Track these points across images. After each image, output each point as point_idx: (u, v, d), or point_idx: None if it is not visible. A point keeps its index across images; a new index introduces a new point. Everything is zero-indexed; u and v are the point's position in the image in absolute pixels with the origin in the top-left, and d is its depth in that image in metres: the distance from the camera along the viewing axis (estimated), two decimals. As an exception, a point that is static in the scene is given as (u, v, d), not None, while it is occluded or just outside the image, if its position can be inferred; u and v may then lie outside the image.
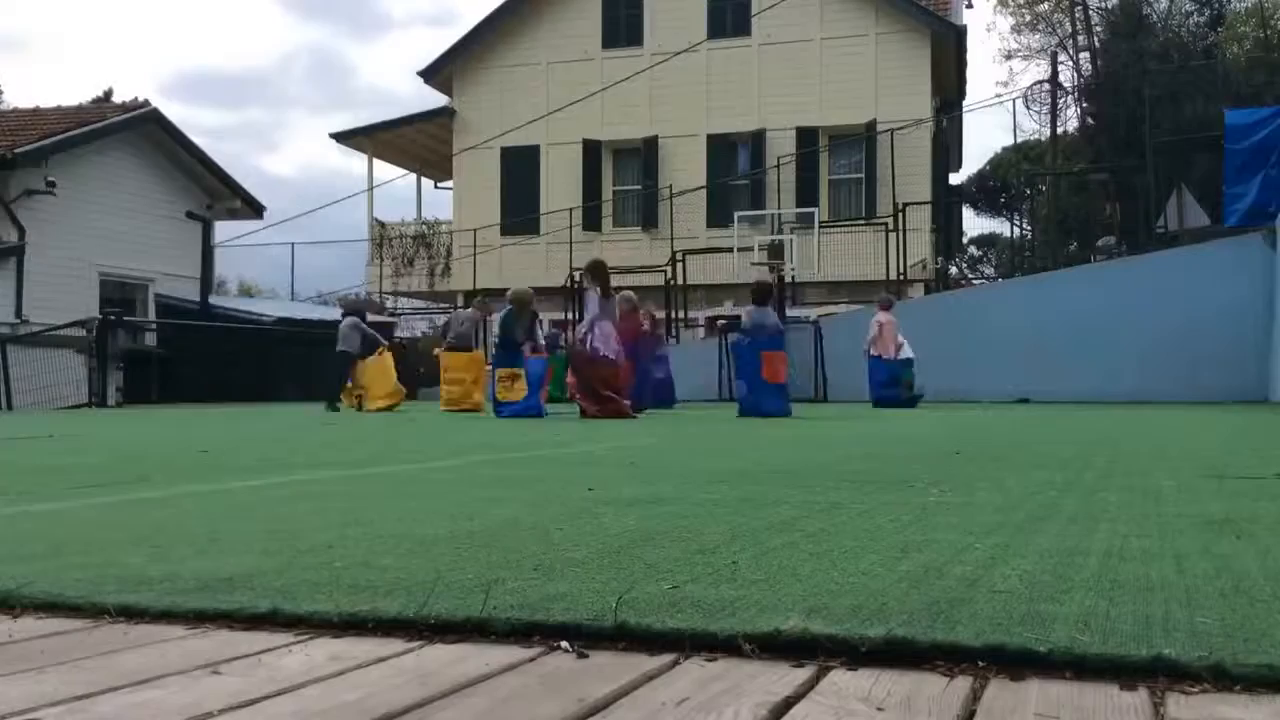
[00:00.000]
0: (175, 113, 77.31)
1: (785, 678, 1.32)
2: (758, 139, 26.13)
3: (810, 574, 1.88)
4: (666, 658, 1.41)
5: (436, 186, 32.28)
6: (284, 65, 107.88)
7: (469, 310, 16.90)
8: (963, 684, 1.29)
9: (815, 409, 15.96)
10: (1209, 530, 2.45)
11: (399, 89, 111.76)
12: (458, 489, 3.69)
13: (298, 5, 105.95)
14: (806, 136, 25.77)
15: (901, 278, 23.40)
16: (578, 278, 24.51)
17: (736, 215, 24.19)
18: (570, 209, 26.44)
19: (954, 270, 39.55)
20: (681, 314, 24.31)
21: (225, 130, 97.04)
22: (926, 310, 21.43)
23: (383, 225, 29.26)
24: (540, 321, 13.55)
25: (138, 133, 23.15)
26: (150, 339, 22.87)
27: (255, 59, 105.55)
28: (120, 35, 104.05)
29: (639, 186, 26.89)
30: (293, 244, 30.71)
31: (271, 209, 27.59)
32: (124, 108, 24.04)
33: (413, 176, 31.82)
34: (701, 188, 26.24)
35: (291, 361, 22.81)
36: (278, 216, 43.43)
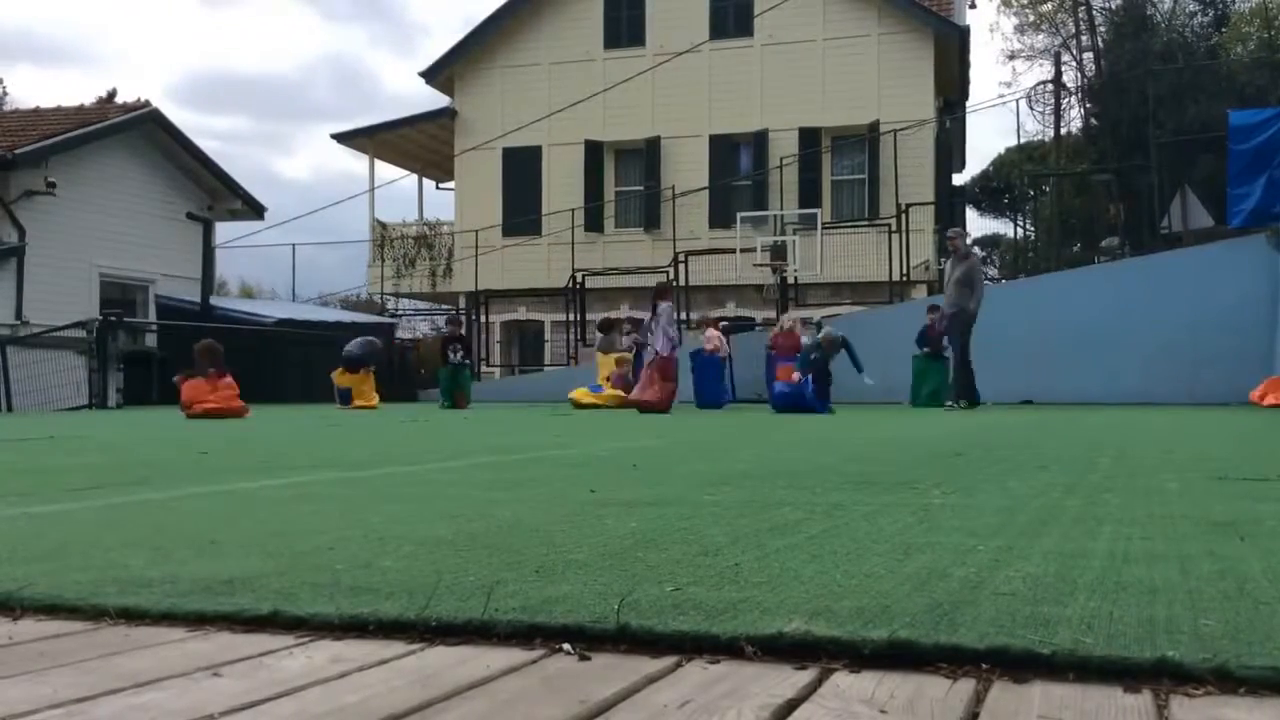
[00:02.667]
0: (191, 118, 78.22)
1: (788, 680, 1.31)
2: (760, 139, 26.14)
3: (813, 576, 1.88)
4: (669, 660, 1.40)
5: (438, 187, 32.30)
6: (308, 72, 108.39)
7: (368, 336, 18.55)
8: (966, 686, 1.29)
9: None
10: (1213, 532, 2.44)
11: (421, 96, 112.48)
12: (459, 490, 3.69)
13: (327, 12, 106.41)
14: (809, 137, 25.77)
15: (904, 279, 23.40)
16: (578, 279, 24.55)
17: (739, 216, 24.20)
18: (572, 210, 26.45)
19: (957, 271, 39.48)
20: (684, 315, 24.31)
21: (244, 135, 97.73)
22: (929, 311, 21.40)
23: (384, 226, 29.27)
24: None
25: (138, 133, 23.16)
26: (151, 340, 22.87)
27: (281, 65, 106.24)
28: (138, 40, 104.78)
29: (641, 187, 26.90)
30: (293, 245, 30.71)
31: (284, 212, 27.73)
32: (125, 108, 24.06)
33: (414, 177, 31.83)
34: (704, 188, 26.25)
35: (293, 363, 22.81)
36: (289, 221, 43.39)
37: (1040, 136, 37.69)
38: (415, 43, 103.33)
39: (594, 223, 26.93)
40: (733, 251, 23.50)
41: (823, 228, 23.69)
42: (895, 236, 22.95)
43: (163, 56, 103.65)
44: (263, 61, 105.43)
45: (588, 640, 1.48)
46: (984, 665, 1.34)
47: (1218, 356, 17.70)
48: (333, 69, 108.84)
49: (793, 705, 1.22)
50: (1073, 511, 2.87)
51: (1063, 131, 31.98)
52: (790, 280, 22.82)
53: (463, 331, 20.97)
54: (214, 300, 25.69)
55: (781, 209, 25.10)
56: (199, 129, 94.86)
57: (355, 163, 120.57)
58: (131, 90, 53.97)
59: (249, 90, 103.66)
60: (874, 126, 25.17)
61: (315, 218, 76.01)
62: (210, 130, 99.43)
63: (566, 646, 1.47)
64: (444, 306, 30.51)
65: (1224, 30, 35.88)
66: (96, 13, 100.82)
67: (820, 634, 1.43)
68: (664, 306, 15.89)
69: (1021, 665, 1.34)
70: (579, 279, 24.83)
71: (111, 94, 37.38)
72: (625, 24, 27.14)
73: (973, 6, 33.02)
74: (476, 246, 26.57)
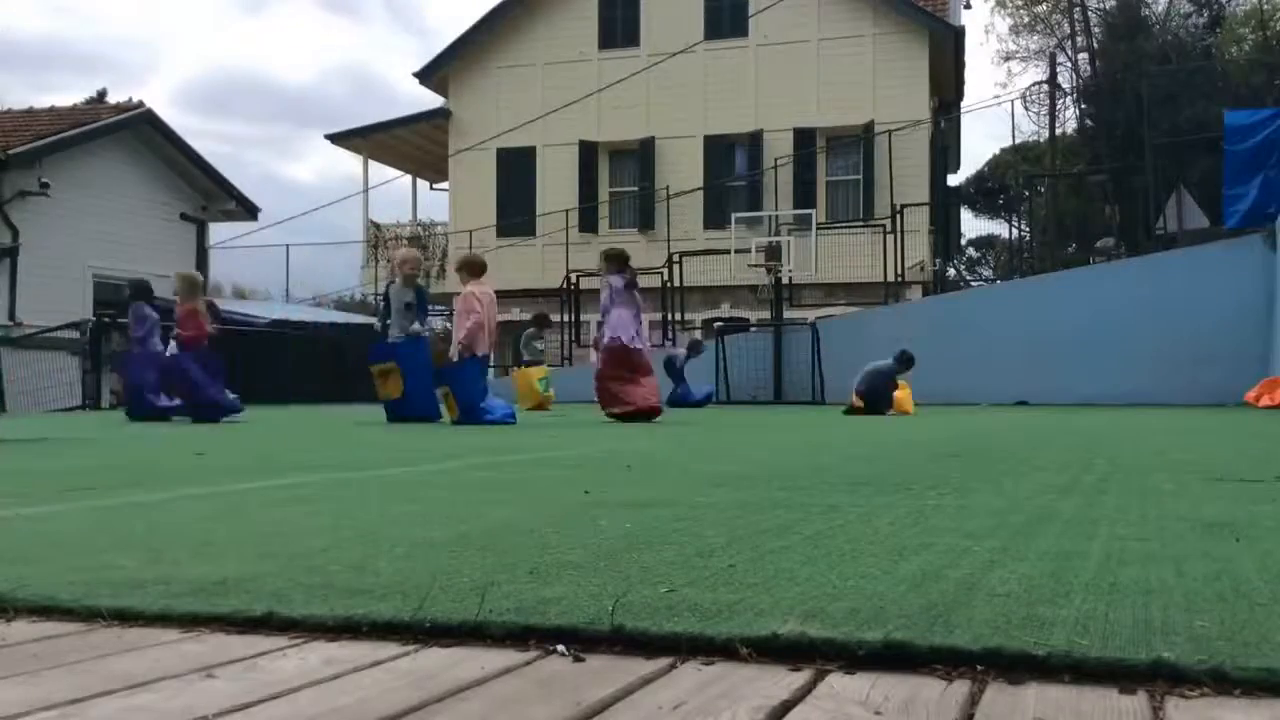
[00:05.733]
0: (210, 123, 79.22)
1: (782, 681, 1.31)
2: (755, 140, 26.15)
3: (808, 577, 1.87)
4: (663, 661, 1.40)
5: (432, 188, 32.28)
6: (328, 77, 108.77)
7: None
8: (961, 688, 1.29)
9: (813, 411, 15.97)
10: (1208, 533, 2.44)
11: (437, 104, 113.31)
12: (453, 492, 3.69)
13: (355, 20, 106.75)
14: (804, 137, 25.79)
15: (899, 279, 23.40)
16: (573, 280, 24.54)
17: (734, 217, 24.20)
18: (566, 210, 26.45)
19: (952, 272, 39.60)
20: (679, 316, 24.31)
21: (258, 139, 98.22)
22: (925, 312, 21.43)
23: (378, 227, 29.25)
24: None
25: (132, 134, 23.15)
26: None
27: (302, 71, 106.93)
28: (150, 43, 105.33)
29: (635, 188, 26.90)
30: (287, 246, 30.70)
31: (289, 215, 27.79)
32: (118, 108, 24.05)
33: (408, 178, 31.81)
34: (699, 189, 26.24)
35: (287, 364, 22.79)
36: (292, 222, 43.38)
37: (1035, 137, 37.77)
38: (431, 45, 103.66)
39: (588, 223, 26.93)
40: (727, 252, 23.49)
41: (817, 228, 23.69)
42: (890, 237, 22.95)
43: (184, 61, 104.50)
44: (286, 67, 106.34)
45: (582, 642, 1.48)
46: (979, 667, 1.34)
47: (1213, 357, 17.72)
48: (353, 76, 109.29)
49: (787, 706, 1.22)
50: (1068, 513, 2.87)
51: (1058, 132, 32.02)
52: (785, 281, 22.82)
53: None
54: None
55: (776, 210, 25.11)
56: (215, 133, 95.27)
57: (358, 165, 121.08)
58: (156, 94, 54.34)
59: (265, 95, 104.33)
60: (869, 127, 25.19)
61: (314, 220, 76.22)
62: (228, 135, 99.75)
63: (561, 648, 1.47)
64: (438, 308, 30.45)
65: (1219, 32, 35.95)
66: (127, 18, 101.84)
67: (815, 635, 1.43)
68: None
69: (1016, 666, 1.33)
70: (573, 280, 24.82)
71: (102, 94, 37.26)
72: (620, 24, 27.13)
73: (968, 7, 33.06)
74: (470, 247, 26.52)
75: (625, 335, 10.83)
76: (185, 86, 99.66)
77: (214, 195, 25.26)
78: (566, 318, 24.70)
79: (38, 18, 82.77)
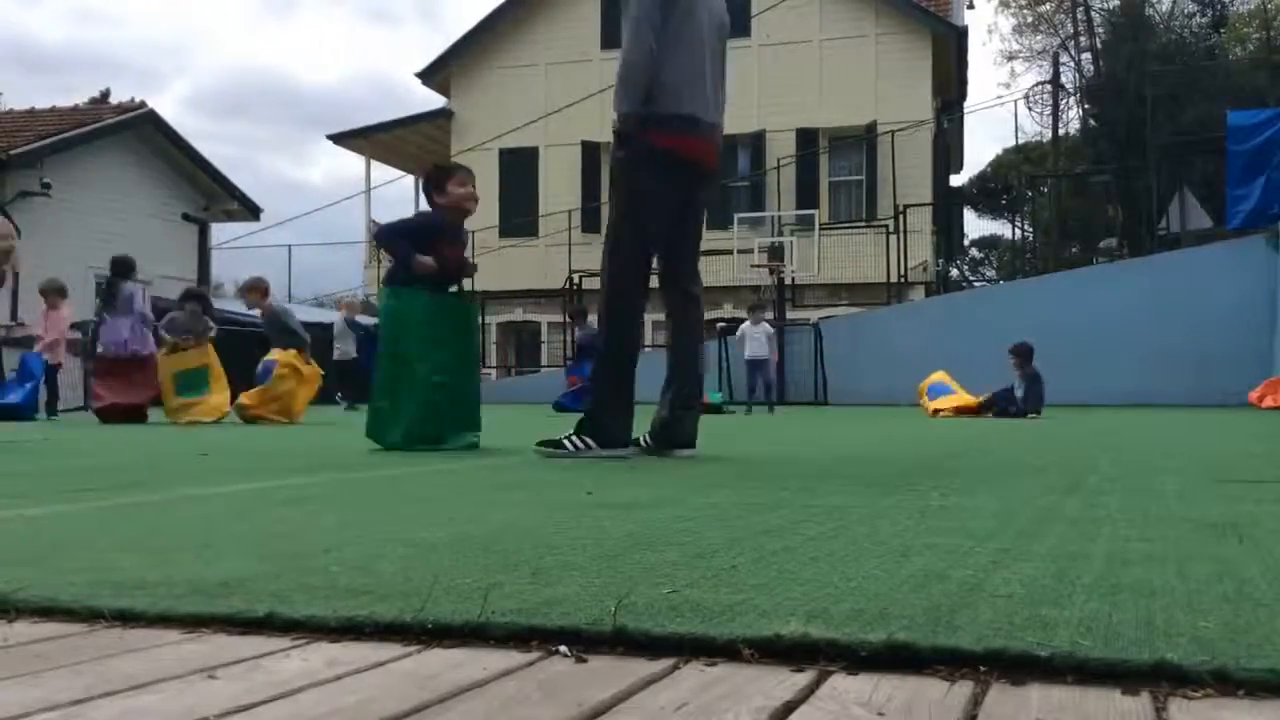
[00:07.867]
0: (226, 126, 79.67)
1: (785, 682, 1.31)
2: (757, 140, 26.15)
3: (810, 578, 1.87)
4: (665, 662, 1.40)
5: (435, 188, 32.24)
6: (349, 81, 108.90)
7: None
8: (964, 689, 1.28)
9: (814, 411, 15.97)
10: (1212, 534, 2.44)
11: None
12: (455, 492, 3.69)
13: (378, 23, 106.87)
14: (806, 138, 25.78)
15: (902, 280, 23.39)
16: (576, 281, 24.52)
17: (736, 217, 24.21)
18: (569, 211, 26.45)
19: (955, 272, 39.59)
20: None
21: (272, 142, 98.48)
22: (927, 313, 21.42)
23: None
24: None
25: (134, 134, 23.17)
26: (148, 341, 22.83)
27: (326, 74, 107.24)
28: (176, 48, 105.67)
29: (638, 188, 26.86)
30: (289, 246, 30.73)
31: (293, 216, 27.90)
32: (120, 109, 24.06)
33: (410, 178, 31.82)
34: (701, 189, 26.22)
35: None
36: (298, 223, 43.25)
37: (1038, 138, 37.76)
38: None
39: (591, 223, 26.92)
40: (730, 253, 23.50)
41: (820, 229, 23.70)
42: (893, 238, 22.95)
43: (210, 65, 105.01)
44: (311, 71, 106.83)
45: (584, 642, 1.48)
46: (982, 668, 1.34)
47: (1216, 358, 17.72)
48: (377, 81, 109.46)
49: (790, 707, 1.22)
50: (1071, 513, 2.87)
51: (1061, 133, 32.00)
52: (788, 281, 22.83)
53: None
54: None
55: (779, 210, 25.11)
56: (235, 136, 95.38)
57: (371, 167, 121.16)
58: (180, 97, 54.40)
59: (287, 99, 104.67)
60: (871, 127, 25.18)
61: (319, 220, 76.20)
62: (247, 138, 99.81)
63: (563, 649, 1.46)
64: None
65: (1222, 31, 35.93)
66: (153, 19, 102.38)
67: (818, 636, 1.43)
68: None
69: (1019, 667, 1.33)
70: (576, 280, 24.82)
71: (105, 94, 37.26)
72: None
73: (970, 7, 33.06)
74: (473, 247, 26.52)
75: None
76: (208, 90, 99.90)
77: (216, 195, 25.27)
78: (568, 318, 24.72)
79: (63, 24, 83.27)
